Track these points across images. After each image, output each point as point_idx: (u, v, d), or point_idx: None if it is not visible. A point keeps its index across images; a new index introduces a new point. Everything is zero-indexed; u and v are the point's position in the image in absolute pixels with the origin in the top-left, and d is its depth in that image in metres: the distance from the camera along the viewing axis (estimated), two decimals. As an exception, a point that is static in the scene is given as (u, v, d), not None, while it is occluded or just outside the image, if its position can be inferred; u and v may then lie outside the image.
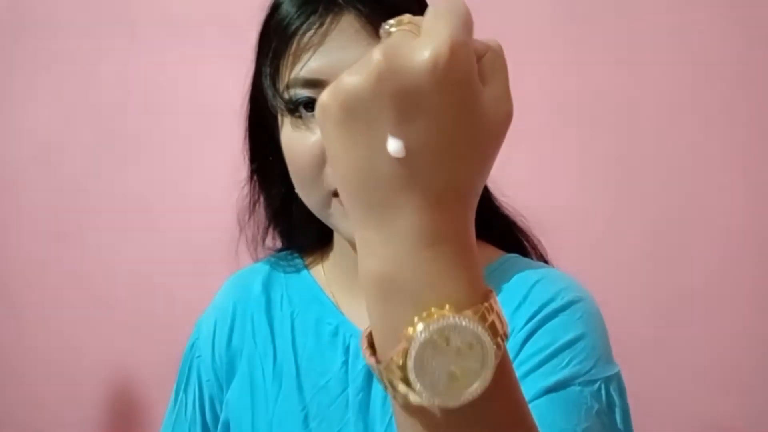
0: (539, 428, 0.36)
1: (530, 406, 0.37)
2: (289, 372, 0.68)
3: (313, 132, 0.59)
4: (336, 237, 0.71)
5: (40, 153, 1.71)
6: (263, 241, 0.76)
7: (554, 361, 0.58)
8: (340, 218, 0.61)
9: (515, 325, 0.61)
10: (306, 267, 0.75)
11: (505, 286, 0.65)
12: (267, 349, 0.70)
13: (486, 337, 0.30)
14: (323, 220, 0.63)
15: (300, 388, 0.67)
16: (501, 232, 0.73)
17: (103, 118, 1.66)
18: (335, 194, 0.60)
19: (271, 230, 0.75)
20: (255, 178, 0.73)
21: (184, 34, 1.59)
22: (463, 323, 0.30)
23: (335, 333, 0.68)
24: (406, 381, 0.30)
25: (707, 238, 1.35)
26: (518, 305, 0.62)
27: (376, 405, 0.64)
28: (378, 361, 0.32)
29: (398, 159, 0.30)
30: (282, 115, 0.63)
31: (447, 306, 0.31)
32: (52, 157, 1.70)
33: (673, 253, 1.36)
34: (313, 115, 0.60)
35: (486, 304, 0.32)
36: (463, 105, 0.30)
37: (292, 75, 0.60)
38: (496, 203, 0.73)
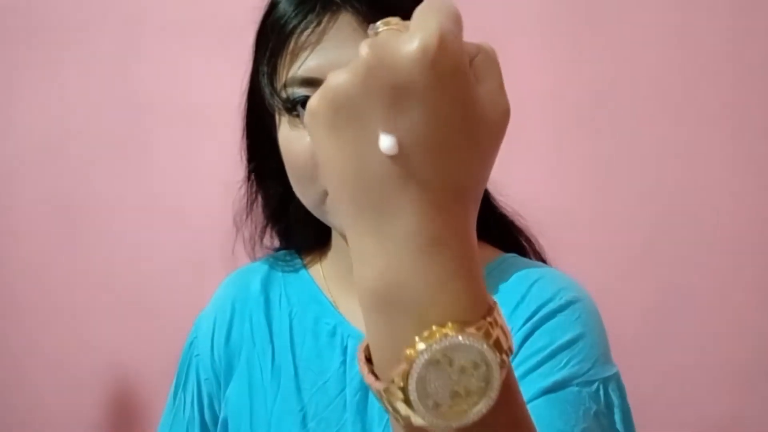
0: (537, 429, 0.36)
1: (528, 406, 0.36)
2: (287, 371, 0.68)
3: None
4: (334, 236, 0.71)
5: (41, 153, 1.70)
6: (261, 240, 0.76)
7: (552, 362, 0.58)
8: (336, 217, 0.61)
9: (513, 325, 0.61)
10: (304, 266, 0.75)
11: (503, 286, 0.65)
12: (265, 348, 0.70)
13: (491, 355, 0.29)
14: (321, 218, 0.63)
15: (298, 387, 0.67)
16: (499, 232, 0.73)
17: (103, 119, 1.66)
18: None
19: (269, 230, 0.75)
20: (252, 177, 0.73)
21: (183, 34, 1.58)
22: (467, 342, 0.29)
23: (333, 333, 0.68)
24: (408, 402, 0.29)
25: (707, 237, 1.35)
26: (516, 305, 0.62)
27: (374, 406, 0.64)
28: (376, 379, 0.31)
29: (391, 157, 0.29)
30: (279, 114, 0.62)
31: (449, 324, 0.29)
32: (52, 158, 1.70)
33: (673, 253, 1.36)
34: None
35: (490, 319, 0.30)
36: (455, 96, 0.29)
37: (290, 74, 0.59)
38: (495, 203, 0.73)
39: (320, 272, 0.73)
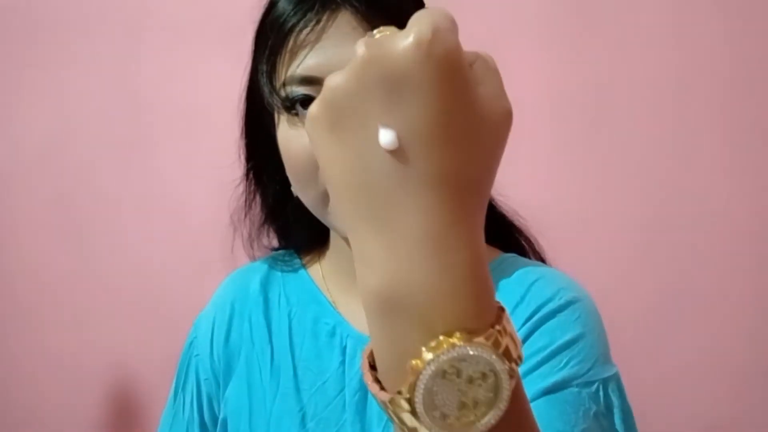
0: None
1: None
2: (286, 372, 0.68)
3: None
4: (333, 236, 0.71)
5: (42, 153, 1.71)
6: (259, 239, 0.76)
7: (552, 362, 0.58)
8: (336, 216, 0.61)
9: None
10: (303, 266, 0.75)
11: (503, 286, 0.65)
12: (264, 348, 0.70)
13: (500, 365, 0.29)
14: (320, 218, 0.63)
15: (297, 388, 0.67)
16: (499, 232, 0.72)
17: (104, 119, 1.66)
18: None
19: (267, 229, 0.75)
20: (251, 176, 0.72)
21: (184, 34, 1.58)
22: (476, 353, 0.28)
23: (332, 333, 0.68)
24: (414, 413, 0.29)
25: (706, 238, 1.35)
26: (516, 305, 0.62)
27: (373, 406, 0.64)
28: (381, 388, 0.31)
29: (392, 152, 0.29)
30: (278, 113, 0.62)
31: (457, 333, 0.28)
32: (53, 157, 1.70)
33: (671, 253, 1.36)
34: None
35: (499, 327, 0.29)
36: (453, 87, 0.28)
37: (289, 72, 0.59)
38: (494, 202, 0.73)
39: (319, 272, 0.73)
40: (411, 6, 0.61)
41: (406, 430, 0.30)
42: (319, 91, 0.58)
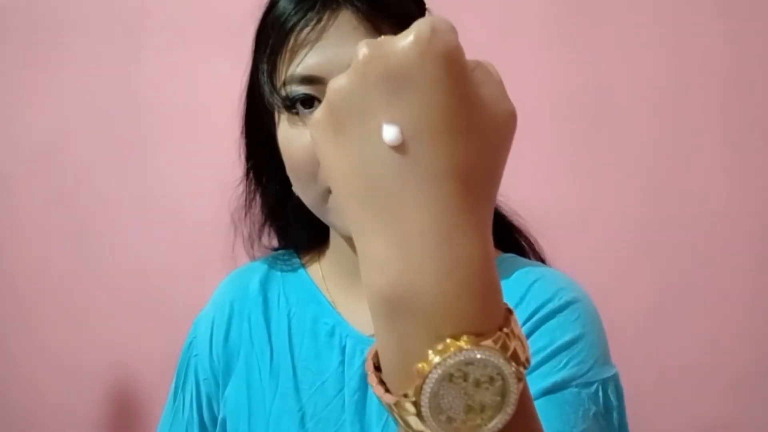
0: None
1: None
2: (285, 371, 0.68)
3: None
4: (332, 235, 0.71)
5: (42, 153, 1.70)
6: (259, 239, 0.76)
7: (552, 363, 0.58)
8: (337, 215, 0.61)
9: None
10: (303, 266, 0.75)
11: (503, 286, 0.64)
12: (264, 348, 0.70)
13: (507, 369, 0.28)
14: (320, 217, 0.63)
15: (297, 387, 0.67)
16: (498, 232, 0.72)
17: (104, 119, 1.66)
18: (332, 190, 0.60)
19: (267, 229, 0.75)
20: (251, 175, 0.72)
21: (184, 34, 1.58)
22: (483, 356, 0.28)
23: (332, 333, 0.68)
24: (420, 415, 0.28)
25: (705, 238, 1.35)
26: (516, 305, 0.62)
27: (372, 406, 0.64)
28: (386, 390, 0.30)
29: (396, 147, 0.28)
30: (279, 112, 0.62)
31: (464, 337, 0.28)
32: (53, 157, 1.70)
33: (670, 253, 1.36)
34: (310, 112, 0.60)
35: (507, 330, 0.29)
36: (453, 80, 0.28)
37: (289, 72, 0.59)
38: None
39: (319, 272, 0.73)
40: (412, 6, 0.61)
41: None
42: (319, 91, 0.58)
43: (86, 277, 1.69)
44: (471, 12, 1.34)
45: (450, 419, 0.28)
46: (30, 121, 1.71)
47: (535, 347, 0.59)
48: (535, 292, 0.63)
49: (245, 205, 0.74)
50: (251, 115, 0.69)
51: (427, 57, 0.28)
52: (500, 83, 0.31)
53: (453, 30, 0.29)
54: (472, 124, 0.29)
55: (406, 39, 0.28)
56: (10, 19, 1.70)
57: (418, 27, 0.28)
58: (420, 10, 0.63)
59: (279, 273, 0.75)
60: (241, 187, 0.74)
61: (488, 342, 0.28)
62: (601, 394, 0.58)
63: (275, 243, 0.77)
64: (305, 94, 0.59)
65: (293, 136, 0.60)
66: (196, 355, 0.74)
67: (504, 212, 0.74)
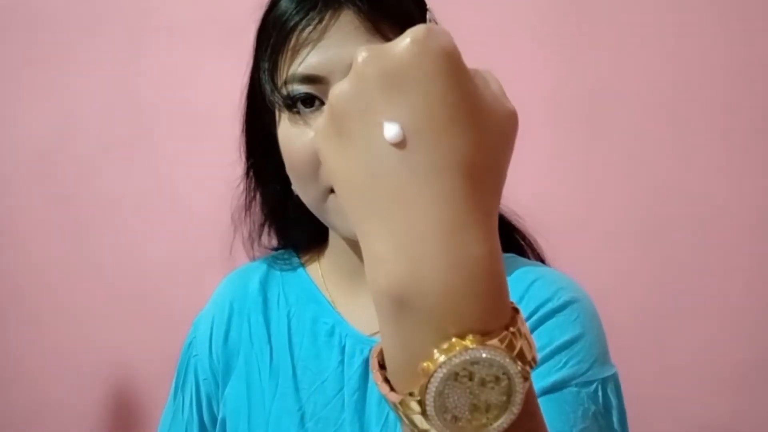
0: None
1: None
2: (285, 371, 0.68)
3: (310, 127, 0.59)
4: (332, 235, 0.71)
5: (43, 152, 1.70)
6: (259, 238, 0.76)
7: (551, 362, 0.58)
8: (336, 215, 0.61)
9: None
10: (302, 265, 0.75)
11: None
12: (263, 348, 0.70)
13: (513, 369, 0.28)
14: (320, 217, 0.63)
15: (296, 387, 0.67)
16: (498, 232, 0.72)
17: (105, 119, 1.66)
18: (332, 190, 0.59)
19: (266, 228, 0.75)
20: (251, 174, 0.73)
21: (185, 34, 1.58)
22: (489, 356, 0.28)
23: (331, 333, 0.68)
24: (425, 414, 0.28)
25: (703, 238, 1.35)
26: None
27: (371, 405, 0.64)
28: (391, 389, 0.30)
29: (398, 145, 0.28)
30: (279, 111, 0.62)
31: (470, 336, 0.28)
32: (54, 157, 1.70)
33: (669, 253, 1.36)
34: (311, 111, 0.60)
35: (513, 329, 0.29)
36: (451, 75, 0.29)
37: (290, 71, 0.60)
38: None
39: (318, 271, 0.73)
40: (412, 6, 0.61)
41: (416, 431, 0.29)
42: (320, 90, 0.59)
43: (87, 276, 1.69)
44: (470, 12, 1.34)
45: (455, 418, 0.28)
46: (31, 121, 1.71)
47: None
48: (535, 291, 0.63)
49: (245, 204, 0.74)
50: (252, 114, 0.69)
51: (424, 55, 0.28)
52: (499, 85, 0.31)
53: (448, 33, 0.30)
54: (474, 119, 0.29)
55: (404, 40, 0.29)
56: (11, 19, 1.70)
57: (414, 29, 0.29)
58: (421, 11, 0.63)
59: (279, 273, 0.75)
60: (242, 187, 0.74)
61: (494, 341, 0.28)
62: (600, 393, 0.58)
63: (275, 243, 0.77)
64: (306, 93, 0.59)
65: (294, 135, 0.60)
66: (196, 355, 0.74)
67: (503, 212, 0.74)
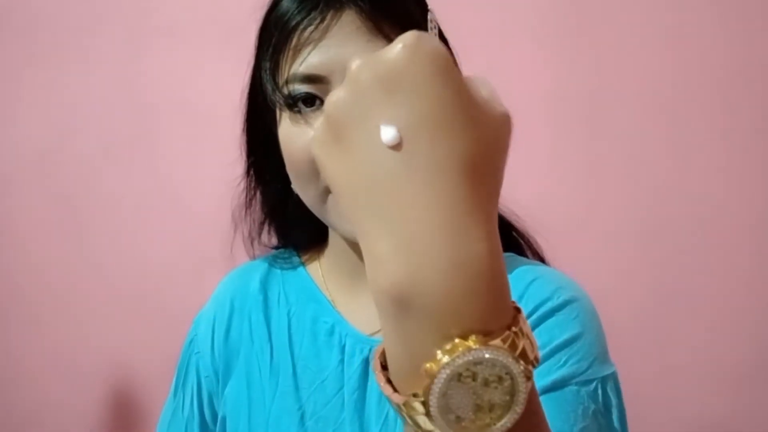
0: None
1: None
2: (285, 370, 0.68)
3: (311, 127, 0.60)
4: (332, 235, 0.71)
5: (44, 152, 1.71)
6: (259, 236, 0.76)
7: (551, 361, 0.58)
8: (336, 215, 0.61)
9: None
10: (303, 265, 0.75)
11: None
12: (264, 347, 0.70)
13: (516, 369, 0.28)
14: (320, 216, 0.64)
15: (296, 386, 0.67)
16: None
17: (105, 119, 1.66)
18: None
19: (267, 227, 0.75)
20: (252, 173, 0.73)
21: (186, 34, 1.59)
22: (492, 356, 0.28)
23: (331, 332, 0.68)
24: (429, 415, 0.28)
25: (703, 237, 1.35)
26: None
27: (371, 404, 0.64)
28: (394, 390, 0.30)
29: (396, 147, 0.29)
30: (280, 110, 0.62)
31: (473, 336, 0.28)
32: (55, 156, 1.70)
33: (668, 253, 1.36)
34: (312, 111, 0.60)
35: (515, 329, 0.29)
36: (444, 76, 0.29)
37: (292, 70, 0.60)
38: None
39: (318, 270, 0.73)
40: (414, 7, 0.61)
41: (420, 431, 0.29)
42: (321, 90, 0.59)
43: (87, 276, 1.69)
44: (470, 13, 1.34)
45: (459, 419, 0.28)
46: (32, 121, 1.71)
47: None
48: (534, 290, 0.63)
49: (245, 203, 0.74)
50: (253, 113, 0.69)
51: (417, 59, 0.29)
52: (493, 89, 0.32)
53: (437, 39, 0.30)
54: (469, 120, 0.29)
55: (396, 46, 0.29)
56: (11, 19, 1.71)
57: (405, 36, 0.30)
58: (422, 11, 0.63)
59: (279, 272, 0.75)
60: (242, 186, 0.74)
61: (497, 341, 0.28)
62: (600, 392, 0.58)
63: (275, 241, 0.77)
64: (307, 93, 0.59)
65: (295, 135, 0.61)
66: (197, 352, 0.74)
67: (502, 212, 0.74)
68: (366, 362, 0.65)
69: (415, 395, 0.28)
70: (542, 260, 0.75)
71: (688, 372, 1.35)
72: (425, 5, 0.63)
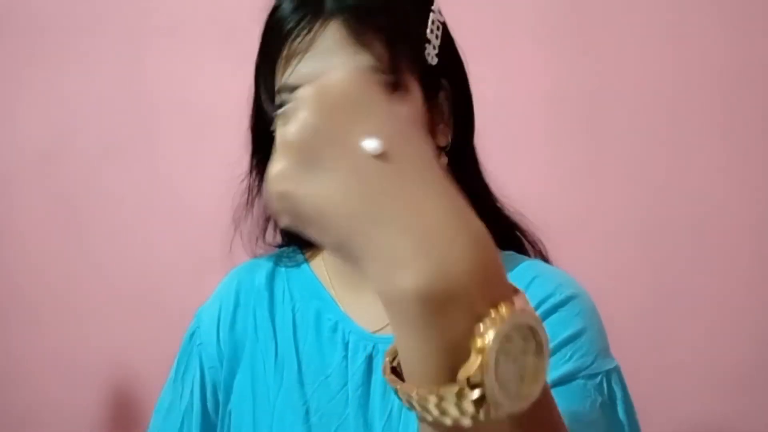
0: None
1: None
2: (290, 366, 0.68)
3: None
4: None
5: (44, 153, 1.71)
6: (263, 234, 0.76)
7: (557, 356, 0.59)
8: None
9: None
10: (307, 262, 0.75)
11: None
12: (268, 343, 0.70)
13: (540, 326, 0.29)
14: None
15: (301, 382, 0.67)
16: (500, 231, 0.73)
17: (105, 119, 1.66)
18: None
19: (273, 226, 0.76)
20: (255, 171, 0.73)
21: (187, 34, 1.59)
22: (522, 320, 0.29)
23: (335, 329, 0.69)
24: (487, 398, 0.27)
25: (702, 237, 1.35)
26: None
27: (375, 400, 0.65)
28: (430, 391, 0.29)
29: (381, 156, 0.30)
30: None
31: (502, 306, 0.28)
32: (56, 156, 1.70)
33: (668, 252, 1.37)
34: None
35: (521, 294, 0.31)
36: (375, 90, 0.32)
37: (283, 80, 0.61)
38: (497, 203, 0.74)
39: (322, 268, 0.74)
40: (395, 20, 0.61)
41: (465, 420, 0.28)
42: None
43: (87, 276, 1.69)
44: (470, 13, 1.34)
45: (508, 390, 0.28)
46: (32, 121, 1.71)
47: None
48: (536, 288, 0.64)
49: (248, 201, 0.74)
50: (257, 112, 0.70)
51: (354, 78, 0.32)
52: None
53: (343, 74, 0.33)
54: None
55: (334, 74, 0.32)
56: (11, 19, 1.71)
57: (332, 71, 0.33)
58: (420, 15, 0.63)
59: (284, 269, 0.75)
60: (243, 187, 0.74)
61: (521, 304, 0.29)
62: (605, 385, 0.59)
63: (278, 240, 0.78)
64: None
65: None
66: (200, 344, 0.73)
67: (508, 213, 0.74)
68: (369, 359, 0.66)
69: (468, 379, 0.28)
70: (545, 259, 0.75)
71: (688, 372, 1.35)
72: (409, 18, 0.63)
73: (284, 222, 0.32)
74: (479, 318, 0.28)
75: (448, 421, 0.28)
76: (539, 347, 0.29)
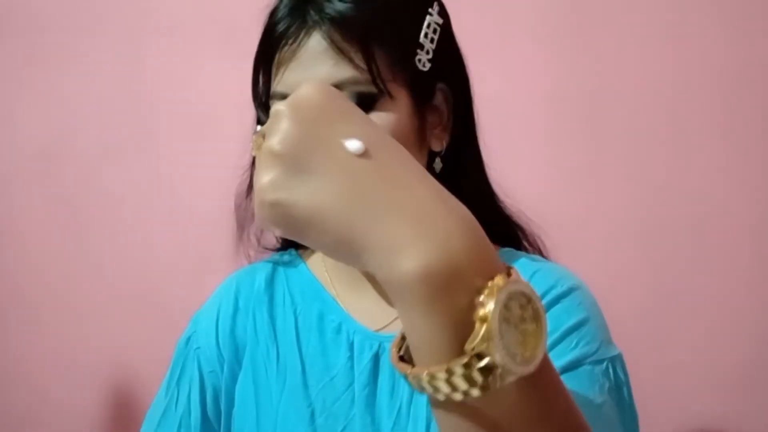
0: None
1: None
2: (293, 368, 0.68)
3: None
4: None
5: (45, 153, 1.71)
6: (263, 237, 0.76)
7: (563, 344, 0.60)
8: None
9: None
10: (306, 264, 0.75)
11: None
12: (270, 346, 0.70)
13: (534, 293, 0.31)
14: None
15: (305, 384, 0.67)
16: (501, 230, 0.73)
17: (105, 119, 1.66)
18: None
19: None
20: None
21: (182, 35, 1.59)
22: (518, 287, 0.30)
23: (338, 330, 0.69)
24: (496, 366, 0.28)
25: (702, 237, 1.35)
26: None
27: (382, 399, 0.65)
28: (439, 368, 0.30)
29: (365, 154, 0.32)
30: None
31: (497, 277, 0.30)
32: (56, 157, 1.70)
33: (668, 252, 1.37)
34: None
35: (513, 268, 0.32)
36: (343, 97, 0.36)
37: (272, 87, 0.62)
38: (500, 203, 0.74)
39: (322, 269, 0.74)
40: (376, 31, 0.61)
41: (475, 391, 0.29)
42: None
43: (87, 276, 1.69)
44: (470, 13, 1.34)
45: (513, 355, 0.29)
46: (32, 121, 1.71)
47: None
48: (537, 281, 0.65)
49: (247, 193, 0.74)
50: (259, 111, 0.70)
51: (322, 88, 0.35)
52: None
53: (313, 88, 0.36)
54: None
55: (305, 88, 0.35)
56: (11, 19, 1.71)
57: (302, 86, 0.35)
58: (414, 21, 0.63)
59: (283, 272, 0.75)
60: (243, 187, 0.74)
61: (513, 275, 0.31)
62: (611, 370, 0.61)
63: (275, 243, 0.78)
64: None
65: None
66: (198, 348, 0.72)
67: (509, 213, 0.75)
68: (376, 357, 0.66)
69: (473, 348, 0.28)
70: (544, 257, 0.75)
71: (688, 372, 1.35)
72: (422, 11, 0.63)
73: (277, 232, 0.34)
74: (479, 291, 0.30)
75: (458, 396, 0.29)
76: (536, 314, 0.31)
